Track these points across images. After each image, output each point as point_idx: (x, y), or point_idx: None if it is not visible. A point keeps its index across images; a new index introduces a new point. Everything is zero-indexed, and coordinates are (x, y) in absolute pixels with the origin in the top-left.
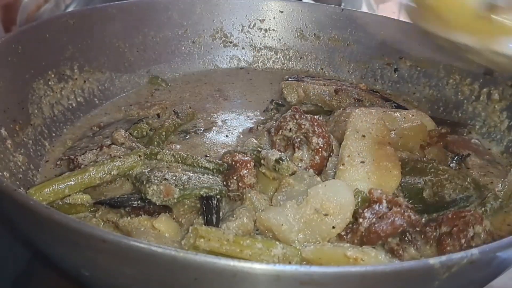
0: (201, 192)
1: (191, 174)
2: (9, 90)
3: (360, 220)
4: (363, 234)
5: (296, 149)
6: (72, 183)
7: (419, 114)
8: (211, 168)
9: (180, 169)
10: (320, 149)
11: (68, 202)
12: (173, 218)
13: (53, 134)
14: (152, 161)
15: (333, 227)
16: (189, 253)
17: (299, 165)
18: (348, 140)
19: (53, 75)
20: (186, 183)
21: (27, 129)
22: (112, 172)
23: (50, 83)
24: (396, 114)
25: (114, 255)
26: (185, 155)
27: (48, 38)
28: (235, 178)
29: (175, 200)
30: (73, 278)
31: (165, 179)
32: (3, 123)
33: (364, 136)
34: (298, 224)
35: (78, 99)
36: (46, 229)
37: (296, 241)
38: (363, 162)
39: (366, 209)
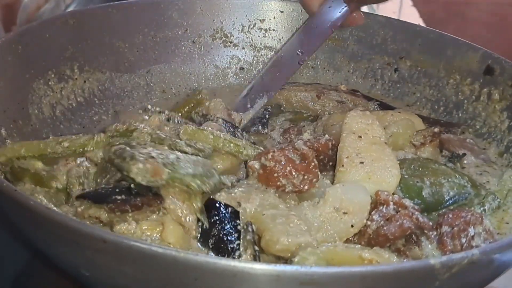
0: (193, 184)
1: (179, 154)
2: (9, 90)
3: (368, 222)
4: (371, 236)
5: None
6: (29, 147)
7: (406, 113)
8: (190, 153)
9: (166, 147)
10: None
11: (21, 166)
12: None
13: (53, 134)
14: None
15: (352, 226)
16: (189, 254)
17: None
18: (345, 142)
19: (53, 75)
20: (175, 164)
21: (27, 129)
22: (63, 144)
23: (50, 83)
24: (383, 113)
25: (114, 255)
26: (163, 136)
27: (48, 38)
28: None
29: (163, 181)
30: (73, 278)
31: (152, 157)
32: (3, 123)
33: (360, 137)
34: (317, 223)
35: (78, 99)
36: (46, 229)
37: (315, 241)
38: (362, 162)
39: (373, 212)
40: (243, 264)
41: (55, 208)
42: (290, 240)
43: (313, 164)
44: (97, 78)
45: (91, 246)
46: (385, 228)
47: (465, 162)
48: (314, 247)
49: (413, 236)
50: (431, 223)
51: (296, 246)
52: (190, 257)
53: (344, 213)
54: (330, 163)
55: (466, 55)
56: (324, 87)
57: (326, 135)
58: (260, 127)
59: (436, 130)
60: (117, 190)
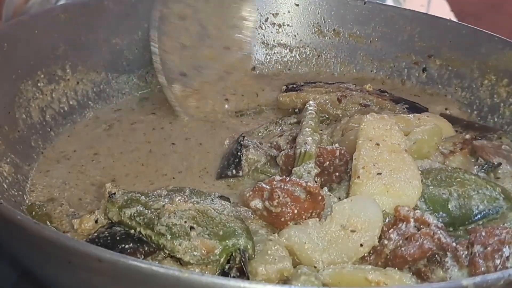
0: (240, 242)
1: (213, 212)
2: None
3: (386, 242)
4: (388, 257)
5: None
6: None
7: (434, 117)
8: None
9: (190, 206)
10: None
11: None
12: None
13: (42, 141)
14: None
15: (361, 245)
16: (194, 274)
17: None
18: (361, 150)
19: (42, 76)
20: (217, 229)
21: (13, 136)
22: None
23: (39, 84)
24: (409, 117)
25: (111, 275)
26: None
27: (37, 34)
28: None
29: (217, 256)
30: None
31: (192, 228)
32: None
33: (378, 144)
34: (323, 243)
35: (71, 102)
36: (35, 247)
37: (320, 262)
38: (379, 173)
39: (391, 229)
40: (254, 285)
41: None
42: (267, 268)
43: (320, 197)
44: (91, 79)
45: (86, 266)
46: (403, 248)
47: (500, 171)
48: (308, 274)
49: (436, 256)
50: (455, 244)
51: (276, 273)
52: (195, 278)
53: (352, 231)
54: (337, 174)
55: (503, 53)
56: (347, 87)
57: (336, 144)
58: (234, 170)
59: (467, 137)
60: (117, 238)
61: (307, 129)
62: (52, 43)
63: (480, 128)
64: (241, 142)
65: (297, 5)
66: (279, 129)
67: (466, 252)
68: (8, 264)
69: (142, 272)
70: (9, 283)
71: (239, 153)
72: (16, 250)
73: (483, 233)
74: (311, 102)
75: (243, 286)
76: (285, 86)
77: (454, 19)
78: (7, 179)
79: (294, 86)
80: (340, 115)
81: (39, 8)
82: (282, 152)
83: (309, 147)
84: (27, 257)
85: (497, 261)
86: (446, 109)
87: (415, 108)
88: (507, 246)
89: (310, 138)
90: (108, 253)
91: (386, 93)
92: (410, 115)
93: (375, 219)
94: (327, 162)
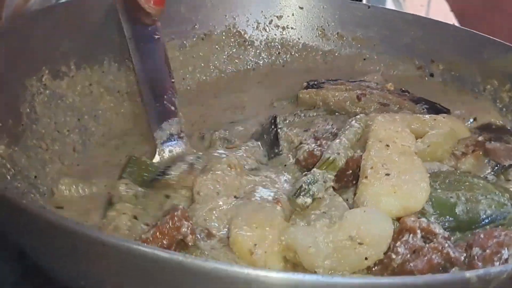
0: None
1: None
2: None
3: (393, 256)
4: (395, 270)
5: None
6: None
7: (451, 119)
8: None
9: None
10: None
11: None
12: None
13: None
14: None
15: (366, 258)
16: (197, 259)
17: None
18: (370, 151)
19: (47, 71)
20: None
21: (17, 130)
22: None
23: (43, 80)
24: (424, 118)
25: (114, 260)
26: None
27: (37, 33)
28: None
29: None
30: None
31: None
32: None
33: (388, 145)
34: (327, 249)
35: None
36: (40, 233)
37: (322, 269)
38: (388, 174)
39: (398, 242)
40: (258, 271)
41: None
42: None
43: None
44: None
45: (90, 250)
46: (411, 264)
47: (511, 174)
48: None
49: (442, 268)
50: (463, 258)
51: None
52: (198, 263)
53: (360, 243)
54: (354, 182)
55: (505, 58)
56: (368, 85)
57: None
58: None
59: (479, 138)
60: None
61: (345, 140)
62: (55, 40)
63: (496, 130)
64: (275, 122)
65: (301, 8)
66: (297, 120)
67: (464, 255)
68: (8, 264)
69: (146, 256)
70: (9, 283)
71: (273, 132)
72: (22, 239)
73: (482, 236)
74: (361, 115)
75: (246, 272)
76: (306, 83)
77: (454, 19)
78: (10, 171)
79: (315, 83)
80: (359, 113)
81: (40, 6)
82: (307, 146)
83: (339, 158)
84: (32, 245)
85: (496, 264)
86: None
87: (435, 109)
88: (506, 248)
89: (344, 150)
90: (112, 237)
91: (407, 93)
92: (426, 116)
93: (385, 235)
94: (350, 171)
